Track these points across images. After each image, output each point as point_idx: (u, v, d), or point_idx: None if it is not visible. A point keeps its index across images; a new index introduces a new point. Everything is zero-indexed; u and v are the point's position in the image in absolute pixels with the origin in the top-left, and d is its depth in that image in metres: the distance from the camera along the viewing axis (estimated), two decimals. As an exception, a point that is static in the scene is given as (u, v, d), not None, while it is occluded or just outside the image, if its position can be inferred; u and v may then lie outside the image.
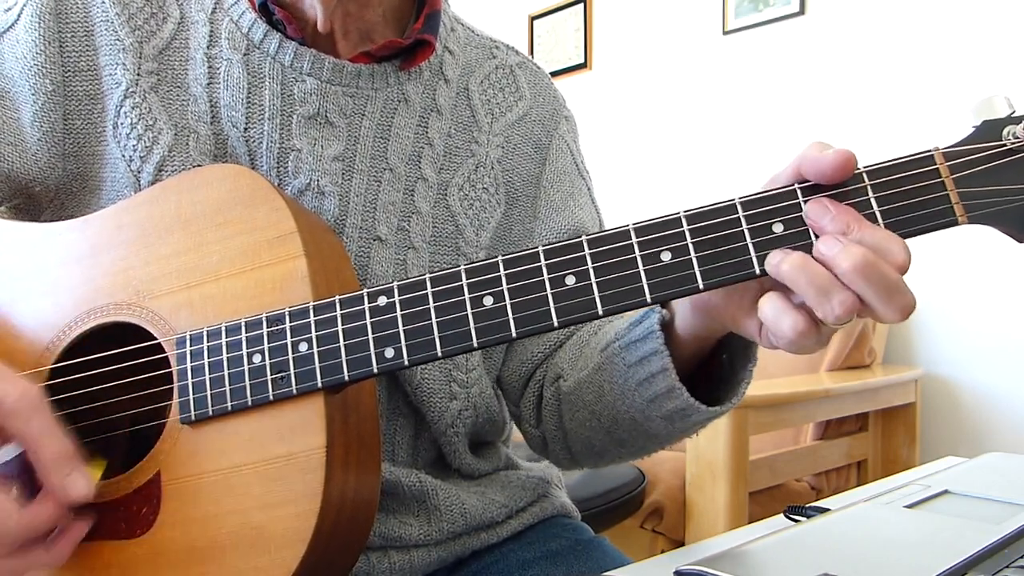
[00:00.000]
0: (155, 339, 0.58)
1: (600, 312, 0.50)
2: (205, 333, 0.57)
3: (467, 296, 0.52)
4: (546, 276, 0.51)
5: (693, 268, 0.50)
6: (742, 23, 2.71)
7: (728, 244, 0.50)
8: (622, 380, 0.64)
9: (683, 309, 0.59)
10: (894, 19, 2.37)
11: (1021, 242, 0.48)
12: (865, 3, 2.44)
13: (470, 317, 0.52)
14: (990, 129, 0.48)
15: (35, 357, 0.60)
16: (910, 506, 0.66)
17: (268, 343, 0.55)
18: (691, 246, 0.50)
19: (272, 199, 0.58)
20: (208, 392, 0.56)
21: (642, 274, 0.50)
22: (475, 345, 0.52)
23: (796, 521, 0.66)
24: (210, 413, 0.56)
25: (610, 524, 1.72)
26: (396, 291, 0.53)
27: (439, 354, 0.52)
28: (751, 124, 2.68)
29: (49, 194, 0.69)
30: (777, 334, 0.49)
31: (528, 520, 0.78)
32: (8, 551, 0.50)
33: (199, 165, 0.67)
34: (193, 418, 0.56)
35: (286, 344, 0.55)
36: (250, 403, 0.55)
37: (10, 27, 0.68)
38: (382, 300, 0.54)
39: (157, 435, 0.57)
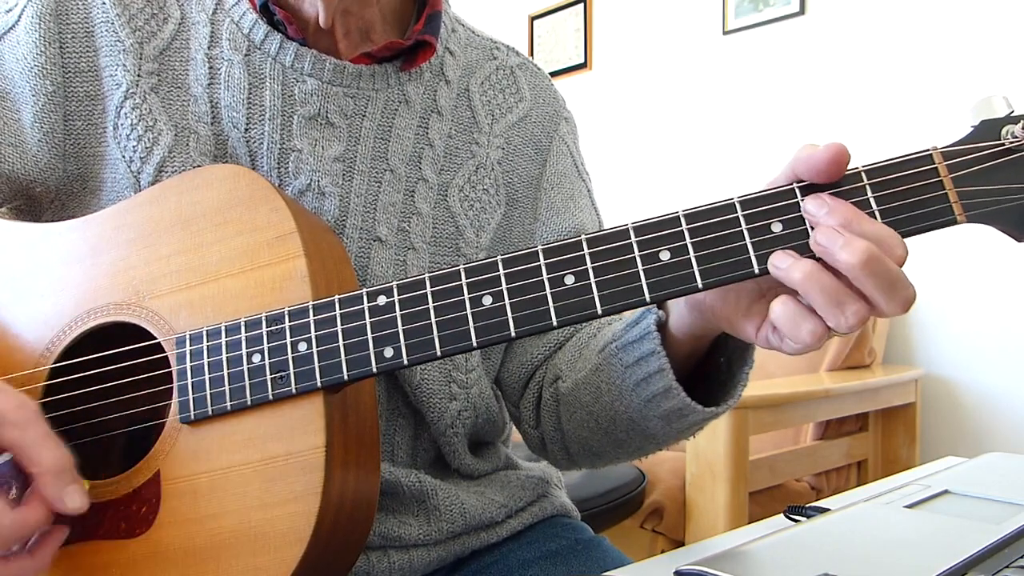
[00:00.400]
0: (155, 339, 0.58)
1: (599, 312, 0.50)
2: (205, 333, 0.57)
3: (466, 296, 0.52)
4: (545, 276, 0.51)
5: (692, 268, 0.50)
6: (742, 23, 2.71)
7: (727, 244, 0.50)
8: (619, 381, 0.64)
9: (679, 309, 0.59)
10: (894, 19, 2.37)
11: (1020, 241, 0.48)
12: (865, 3, 2.44)
13: (469, 317, 0.52)
14: (989, 128, 0.48)
15: (35, 357, 0.60)
16: (910, 506, 0.66)
17: (267, 343, 0.55)
18: (690, 246, 0.50)
19: (272, 199, 0.58)
20: (207, 392, 0.56)
21: (641, 274, 0.50)
22: (474, 345, 0.52)
23: (796, 521, 0.66)
24: (209, 413, 0.56)
25: (610, 524, 1.72)
26: (395, 291, 0.54)
27: (438, 354, 0.52)
28: (751, 124, 2.68)
29: (50, 195, 0.69)
30: (793, 338, 0.49)
31: (528, 520, 0.78)
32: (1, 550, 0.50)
33: (199, 166, 0.67)
34: (192, 418, 0.56)
35: (285, 344, 0.55)
36: (249, 403, 0.55)
37: (10, 28, 0.68)
38: (381, 300, 0.54)
39: (156, 435, 0.57)
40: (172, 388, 0.57)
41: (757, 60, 2.68)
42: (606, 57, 3.15)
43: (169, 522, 0.55)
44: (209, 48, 0.70)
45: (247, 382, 0.55)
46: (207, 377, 0.56)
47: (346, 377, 0.53)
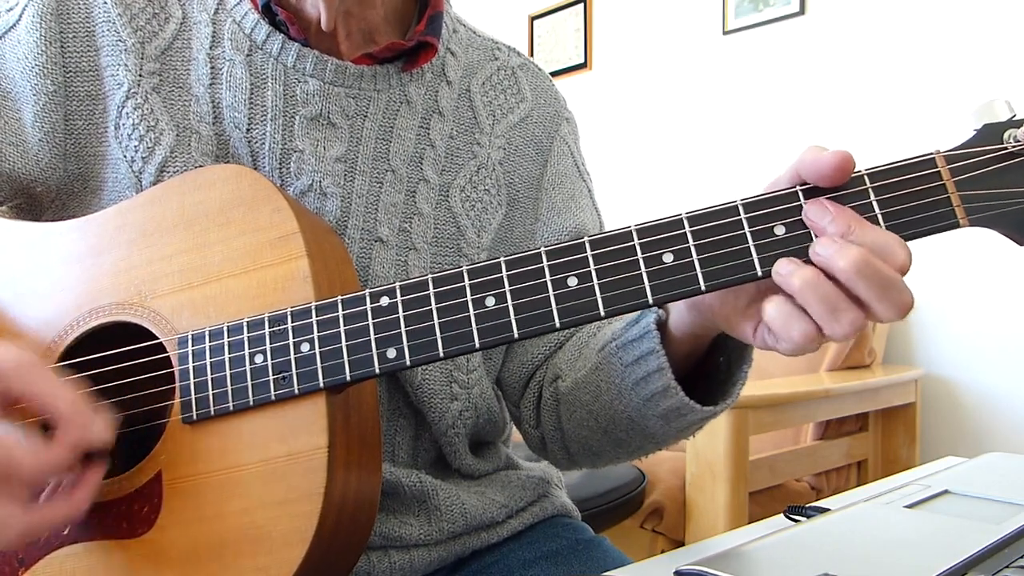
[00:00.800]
0: (157, 339, 0.58)
1: (602, 313, 0.51)
2: (207, 333, 0.57)
3: (469, 297, 0.52)
4: (548, 277, 0.51)
5: (695, 269, 0.50)
6: (742, 23, 2.71)
7: (730, 246, 0.50)
8: (619, 379, 0.64)
9: (679, 308, 0.60)
10: (894, 20, 2.37)
11: (1021, 245, 0.48)
12: (865, 3, 2.44)
13: (472, 318, 0.52)
14: (991, 132, 0.48)
15: (37, 356, 0.60)
16: (910, 506, 0.66)
17: (270, 343, 0.55)
18: (693, 248, 0.50)
19: (274, 199, 0.58)
20: (210, 392, 0.56)
21: (644, 275, 0.50)
22: (477, 346, 0.52)
23: (796, 521, 0.66)
24: (212, 413, 0.56)
25: (610, 524, 1.72)
26: (398, 291, 0.54)
27: (441, 355, 0.53)
28: (751, 124, 2.68)
29: (50, 194, 0.69)
30: (785, 339, 0.49)
31: (528, 520, 0.78)
32: (28, 496, 0.50)
33: (201, 166, 0.67)
34: (195, 418, 0.56)
35: (288, 344, 0.55)
36: (252, 403, 0.55)
37: (11, 28, 0.68)
38: (384, 300, 0.54)
39: (159, 435, 0.57)
40: (174, 388, 0.57)
41: (757, 60, 2.68)
42: (606, 57, 3.15)
43: (171, 522, 0.55)
44: (211, 48, 0.70)
45: (249, 382, 0.55)
46: (209, 377, 0.56)
47: (348, 378, 0.54)
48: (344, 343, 0.54)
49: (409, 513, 0.71)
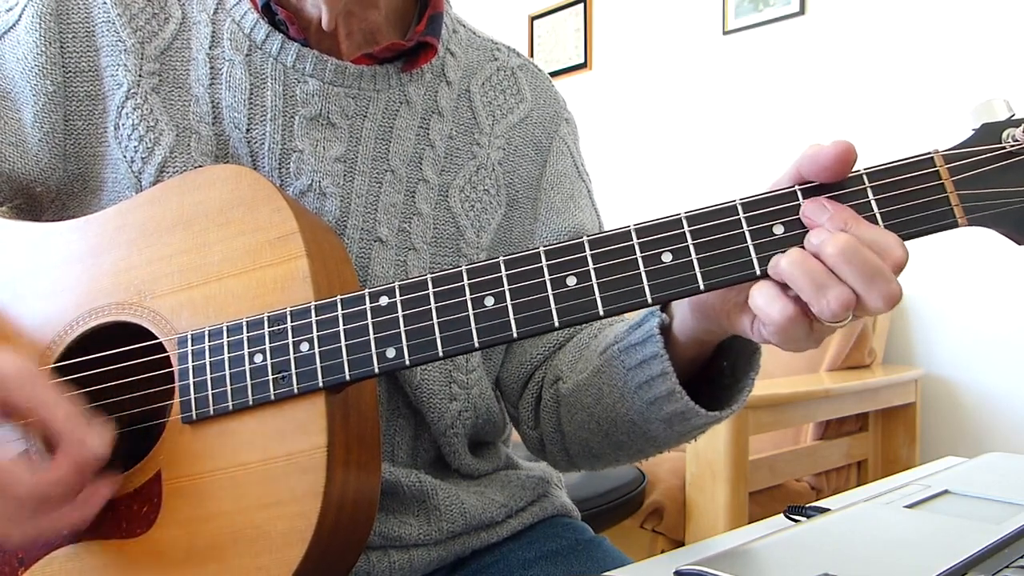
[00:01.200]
0: (156, 339, 0.58)
1: (601, 313, 0.51)
2: (207, 333, 0.57)
3: (468, 296, 0.52)
4: (547, 277, 0.51)
5: (694, 269, 0.50)
6: (742, 23, 2.71)
7: (729, 245, 0.50)
8: (621, 383, 0.64)
9: (681, 311, 0.59)
10: (894, 19, 2.37)
11: (1020, 244, 0.48)
12: (865, 3, 2.44)
13: (471, 317, 0.52)
14: (990, 132, 0.48)
15: (36, 357, 0.60)
16: (910, 506, 0.66)
17: (270, 343, 0.55)
18: (692, 247, 0.50)
19: (274, 199, 0.58)
20: (209, 392, 0.56)
21: (643, 275, 0.50)
22: (476, 345, 0.52)
23: (796, 521, 0.66)
24: (211, 413, 0.56)
25: (610, 524, 1.72)
26: (397, 291, 0.54)
27: (440, 354, 0.53)
28: (751, 124, 2.68)
29: (50, 195, 0.69)
30: (766, 320, 0.50)
31: (528, 520, 0.78)
32: (29, 512, 0.51)
33: (200, 166, 0.67)
34: (194, 417, 0.56)
35: (287, 344, 0.55)
36: (251, 403, 0.55)
37: (11, 28, 0.68)
38: (384, 300, 0.54)
39: (158, 434, 0.57)
40: (174, 388, 0.57)
41: (757, 60, 2.68)
42: (606, 57, 3.15)
43: (170, 522, 0.55)
44: (210, 48, 0.70)
45: (249, 382, 0.55)
46: (209, 377, 0.56)
47: (348, 377, 0.54)
48: (343, 343, 0.54)
49: (408, 513, 0.71)
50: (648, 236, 0.51)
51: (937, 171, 0.48)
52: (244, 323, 0.56)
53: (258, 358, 0.55)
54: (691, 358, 0.62)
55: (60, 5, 0.68)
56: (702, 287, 0.50)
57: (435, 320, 0.53)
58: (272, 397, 0.55)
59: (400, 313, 0.53)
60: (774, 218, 0.50)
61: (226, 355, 0.56)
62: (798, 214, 0.49)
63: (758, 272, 0.49)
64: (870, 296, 0.47)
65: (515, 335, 0.52)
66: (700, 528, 1.73)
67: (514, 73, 0.81)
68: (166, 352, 0.58)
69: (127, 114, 0.67)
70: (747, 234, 0.50)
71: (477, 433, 0.77)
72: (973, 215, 0.47)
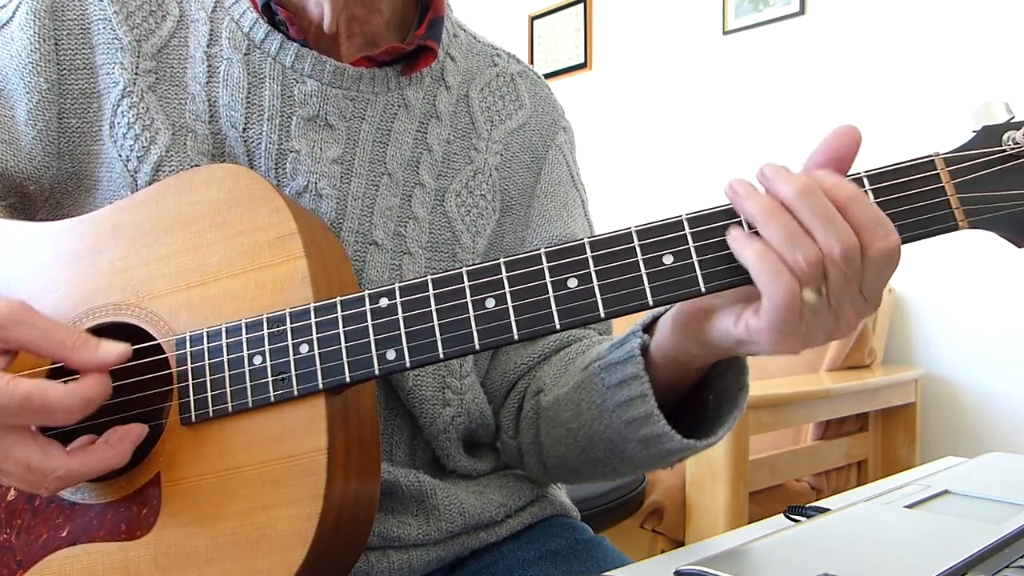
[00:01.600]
0: (155, 340, 0.58)
1: (602, 314, 0.50)
2: (205, 334, 0.57)
3: (469, 298, 0.52)
4: (548, 278, 0.51)
5: (695, 271, 0.50)
6: (742, 23, 2.71)
7: (729, 248, 0.50)
8: (600, 400, 0.64)
9: (663, 330, 0.59)
10: (894, 20, 2.37)
11: (1021, 247, 0.48)
12: (865, 3, 2.44)
13: (472, 319, 0.52)
14: (990, 134, 0.48)
15: (33, 357, 0.60)
16: (910, 506, 0.66)
17: (269, 344, 0.55)
18: (693, 249, 0.50)
19: (272, 199, 0.58)
20: (208, 393, 0.56)
21: (644, 277, 0.50)
22: (477, 347, 0.52)
23: (796, 521, 0.66)
24: (210, 414, 0.56)
25: (610, 524, 1.72)
26: (398, 292, 0.53)
27: (441, 356, 0.52)
28: (751, 124, 2.68)
29: (44, 193, 0.69)
30: (770, 294, 0.48)
31: (527, 520, 0.78)
32: (71, 418, 0.51)
33: (197, 165, 0.66)
34: (193, 419, 0.56)
35: (287, 345, 0.55)
36: (251, 404, 0.55)
37: (5, 24, 0.68)
38: (384, 301, 0.54)
39: (157, 436, 0.57)
40: (172, 389, 0.57)
41: (757, 60, 2.68)
42: (606, 57, 3.15)
43: (170, 524, 0.55)
44: (208, 46, 0.70)
45: (248, 383, 0.55)
46: (208, 378, 0.56)
47: (348, 379, 0.53)
48: (343, 344, 0.54)
49: (407, 513, 0.71)
50: (649, 238, 0.51)
51: (938, 174, 0.48)
52: (243, 324, 0.56)
53: (257, 359, 0.55)
54: (668, 380, 0.61)
55: (55, 2, 0.67)
56: (703, 289, 0.50)
57: (436, 322, 0.52)
58: (272, 399, 0.54)
59: (400, 315, 0.53)
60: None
61: (225, 356, 0.56)
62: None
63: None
64: (828, 239, 0.47)
65: (516, 337, 0.51)
66: (700, 528, 1.73)
67: (513, 79, 0.81)
68: (164, 353, 0.58)
69: (123, 112, 0.67)
70: (748, 235, 0.50)
71: (471, 436, 0.77)
72: (974, 218, 0.47)
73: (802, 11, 2.57)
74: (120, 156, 0.67)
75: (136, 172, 0.66)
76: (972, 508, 0.65)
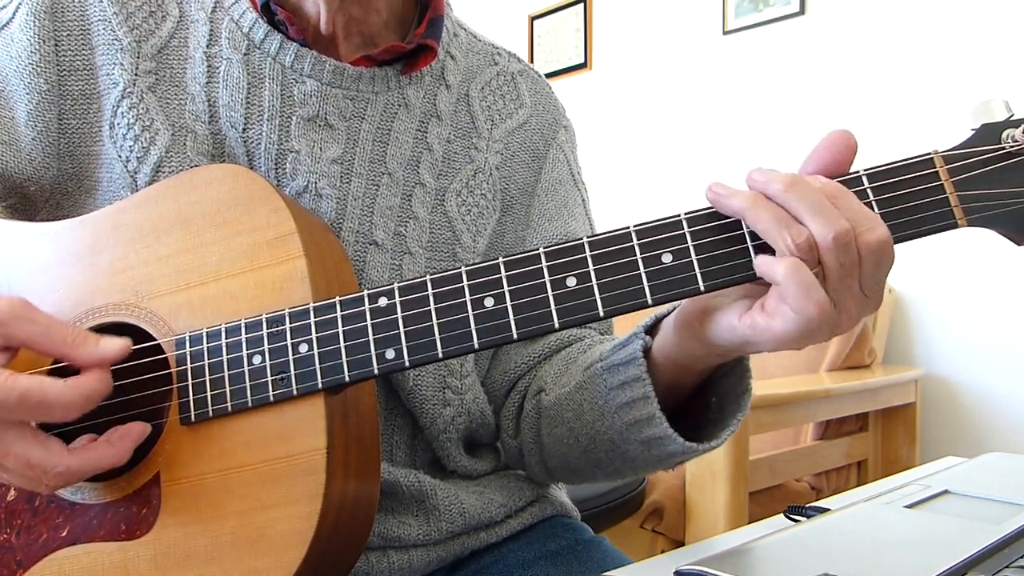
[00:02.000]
0: (154, 340, 0.58)
1: (601, 313, 0.50)
2: (205, 334, 0.57)
3: (468, 297, 0.52)
4: (547, 278, 0.51)
5: (694, 269, 0.50)
6: (742, 23, 2.71)
7: (729, 246, 0.50)
8: (602, 401, 0.64)
9: (664, 332, 0.59)
10: (894, 19, 2.37)
11: (1020, 245, 0.48)
12: (865, 3, 2.44)
13: (471, 318, 0.52)
14: (989, 132, 0.48)
15: (33, 358, 0.60)
16: (910, 506, 0.65)
17: (268, 344, 0.55)
18: (692, 248, 0.50)
19: (271, 199, 0.58)
20: (208, 393, 0.56)
21: (643, 276, 0.50)
22: (476, 346, 0.52)
23: (796, 521, 0.66)
24: (210, 414, 0.56)
25: (610, 524, 1.72)
26: (397, 292, 0.53)
27: (440, 355, 0.52)
28: (751, 124, 2.68)
29: (44, 194, 0.69)
30: (788, 290, 0.48)
31: (527, 520, 0.78)
32: (70, 414, 0.51)
33: (196, 165, 0.66)
34: (193, 419, 0.56)
35: (286, 345, 0.55)
36: (250, 404, 0.55)
37: (4, 26, 0.68)
38: (383, 301, 0.54)
39: (156, 436, 0.57)
40: (172, 389, 0.57)
41: (757, 60, 2.68)
42: (606, 57, 3.15)
43: (170, 524, 0.55)
44: (208, 47, 0.70)
45: (248, 383, 0.55)
46: (207, 378, 0.56)
47: (347, 378, 0.53)
48: (342, 344, 0.54)
49: (408, 513, 0.71)
50: (648, 237, 0.51)
51: (937, 172, 0.48)
52: (242, 324, 0.56)
53: (257, 359, 0.55)
54: (669, 383, 0.61)
55: (55, 3, 0.67)
56: (702, 288, 0.50)
57: (435, 321, 0.52)
58: (271, 398, 0.54)
59: (399, 314, 0.53)
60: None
61: (224, 356, 0.56)
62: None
63: (757, 272, 0.49)
64: (816, 223, 0.47)
65: (515, 336, 0.51)
66: (700, 528, 1.73)
67: (514, 78, 0.81)
68: (164, 353, 0.58)
69: (122, 113, 0.67)
70: (747, 234, 0.50)
71: (472, 436, 0.77)
72: (973, 216, 0.47)
73: (802, 11, 2.57)
74: (120, 157, 0.67)
75: (136, 172, 0.66)
76: (972, 508, 0.65)
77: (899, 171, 0.48)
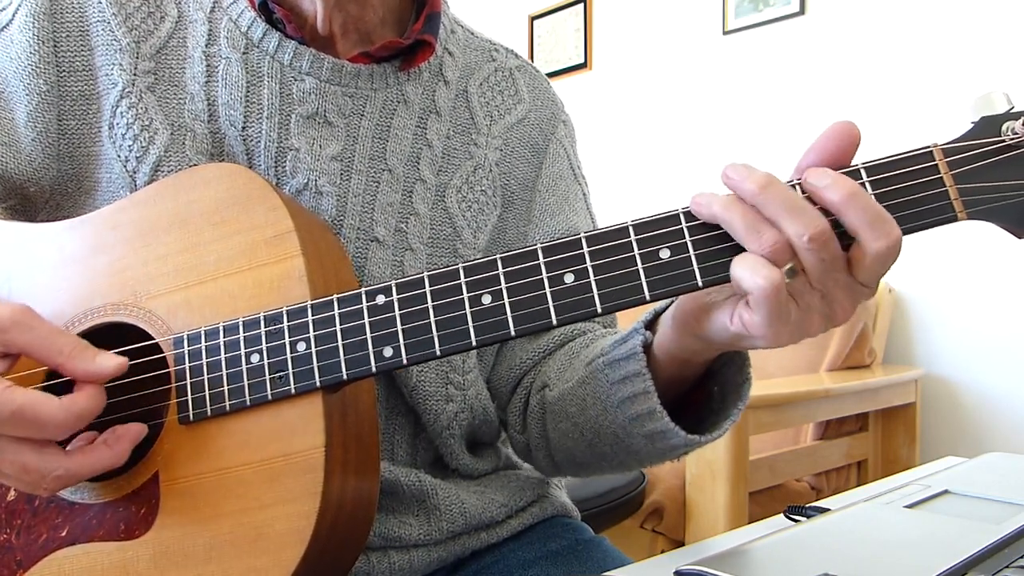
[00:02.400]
0: (153, 339, 0.58)
1: (599, 310, 0.50)
2: (203, 333, 0.56)
3: (465, 295, 0.52)
4: (544, 274, 0.51)
5: (692, 265, 0.50)
6: (742, 23, 2.71)
7: (726, 241, 0.50)
8: (605, 396, 0.64)
9: (664, 328, 0.59)
10: (894, 19, 2.37)
11: (1020, 238, 0.48)
12: (865, 3, 2.44)
13: (468, 316, 0.52)
14: (989, 125, 0.48)
15: (31, 364, 0.60)
16: (910, 506, 0.65)
17: (266, 343, 0.55)
18: (690, 243, 0.50)
19: (269, 198, 0.58)
20: (206, 392, 0.56)
21: (641, 271, 0.50)
22: (474, 344, 0.52)
23: (796, 521, 0.65)
24: (208, 413, 0.55)
25: (610, 524, 1.71)
26: (394, 290, 0.53)
27: (438, 352, 0.52)
28: (751, 124, 2.68)
29: (44, 195, 0.69)
30: (752, 291, 0.47)
31: (528, 520, 0.78)
32: (55, 445, 0.51)
33: (196, 164, 0.66)
34: (191, 418, 0.56)
35: (284, 344, 0.54)
36: (248, 403, 0.55)
37: (4, 27, 0.68)
38: (380, 299, 0.54)
39: (155, 435, 0.57)
40: (170, 389, 0.57)
41: (757, 60, 2.68)
42: (606, 57, 3.15)
43: (169, 523, 0.55)
44: (207, 46, 0.70)
45: (246, 382, 0.55)
46: (205, 377, 0.56)
47: (345, 377, 0.53)
48: (340, 342, 0.54)
49: (408, 513, 0.71)
50: (645, 233, 0.50)
51: (936, 165, 0.48)
52: (240, 323, 0.56)
53: (255, 358, 0.55)
54: (670, 378, 0.61)
55: (54, 4, 0.67)
56: (700, 283, 0.49)
57: (432, 318, 0.52)
58: (269, 397, 0.54)
59: (397, 312, 0.53)
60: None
61: (223, 355, 0.56)
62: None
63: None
64: (792, 225, 0.46)
65: (513, 333, 0.51)
66: (700, 528, 1.73)
67: (512, 74, 0.81)
68: (162, 353, 0.58)
69: (121, 113, 0.67)
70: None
71: (474, 434, 0.77)
72: (972, 208, 0.47)
73: (802, 11, 2.57)
74: (119, 157, 0.67)
75: (135, 172, 0.66)
76: (972, 508, 0.65)
77: (898, 164, 0.48)
